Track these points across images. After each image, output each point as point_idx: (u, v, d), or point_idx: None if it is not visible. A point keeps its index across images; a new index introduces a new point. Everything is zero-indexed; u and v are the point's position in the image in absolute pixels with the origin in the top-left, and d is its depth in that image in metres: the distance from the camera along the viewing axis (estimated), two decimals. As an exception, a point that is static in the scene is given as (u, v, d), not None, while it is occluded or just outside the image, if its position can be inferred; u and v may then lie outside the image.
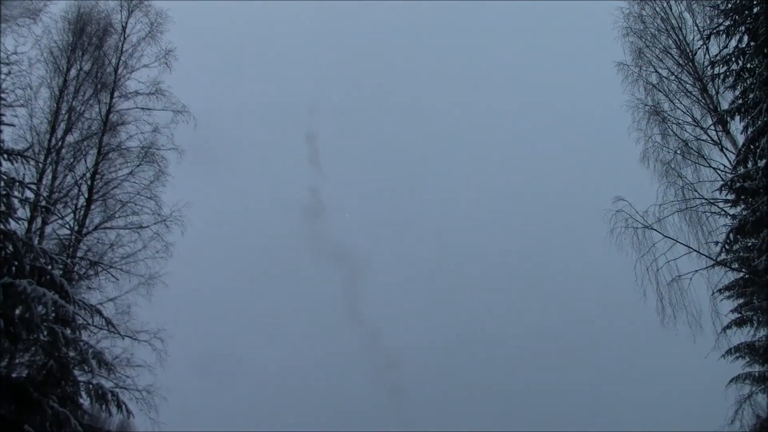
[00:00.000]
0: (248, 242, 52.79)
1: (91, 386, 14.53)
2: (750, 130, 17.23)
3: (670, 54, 21.47)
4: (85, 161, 21.76)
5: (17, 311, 13.33)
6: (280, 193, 57.64)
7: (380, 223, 56.85)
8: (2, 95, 15.17)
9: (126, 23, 23.65)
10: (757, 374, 19.17)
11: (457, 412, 43.78)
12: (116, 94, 22.87)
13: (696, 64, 20.93)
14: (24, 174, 17.40)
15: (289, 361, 47.21)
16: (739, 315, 19.01)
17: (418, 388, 47.10)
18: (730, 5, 18.09)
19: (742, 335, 19.03)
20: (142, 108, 22.89)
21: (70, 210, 21.09)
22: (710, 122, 20.24)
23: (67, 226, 20.84)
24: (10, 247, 13.60)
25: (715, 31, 18.68)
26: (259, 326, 50.60)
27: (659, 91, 21.38)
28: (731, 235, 17.21)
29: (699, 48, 20.77)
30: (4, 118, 14.60)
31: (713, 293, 18.77)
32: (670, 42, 21.51)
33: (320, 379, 48.20)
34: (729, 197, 18.21)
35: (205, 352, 37.35)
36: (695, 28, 21.12)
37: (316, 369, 48.15)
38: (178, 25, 24.24)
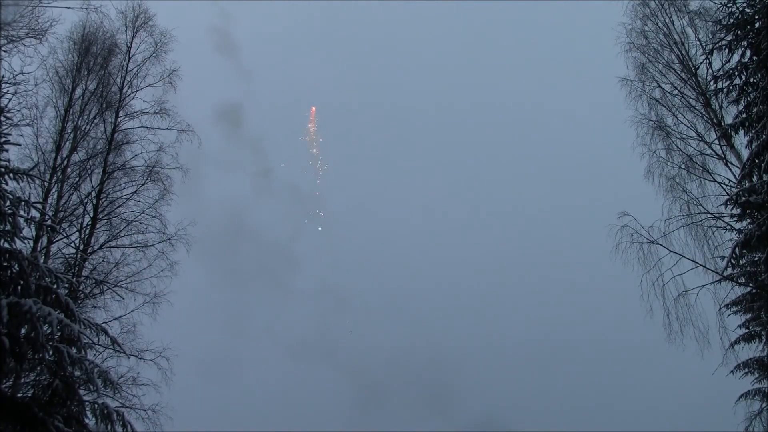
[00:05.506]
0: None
1: (96, 406, 14.44)
2: (754, 144, 17.23)
3: (673, 69, 21.51)
4: (90, 180, 21.91)
5: (22, 330, 13.30)
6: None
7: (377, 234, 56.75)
8: (8, 115, 15.21)
9: (131, 43, 23.94)
10: (766, 390, 19.02)
11: None
12: (121, 113, 23.07)
13: (699, 78, 20.95)
14: (29, 193, 17.50)
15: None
16: (747, 330, 18.90)
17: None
18: (731, 20, 18.12)
19: (750, 350, 18.93)
20: (147, 127, 23.11)
21: (75, 229, 21.19)
22: (714, 137, 20.22)
23: (73, 245, 20.94)
24: (16, 266, 13.61)
25: (717, 45, 18.69)
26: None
27: (663, 105, 21.39)
28: (737, 249, 17.11)
29: (702, 63, 20.79)
30: (10, 138, 14.63)
31: (720, 308, 18.63)
32: (673, 57, 21.57)
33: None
34: (734, 212, 18.09)
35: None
36: (698, 42, 21.19)
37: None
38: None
